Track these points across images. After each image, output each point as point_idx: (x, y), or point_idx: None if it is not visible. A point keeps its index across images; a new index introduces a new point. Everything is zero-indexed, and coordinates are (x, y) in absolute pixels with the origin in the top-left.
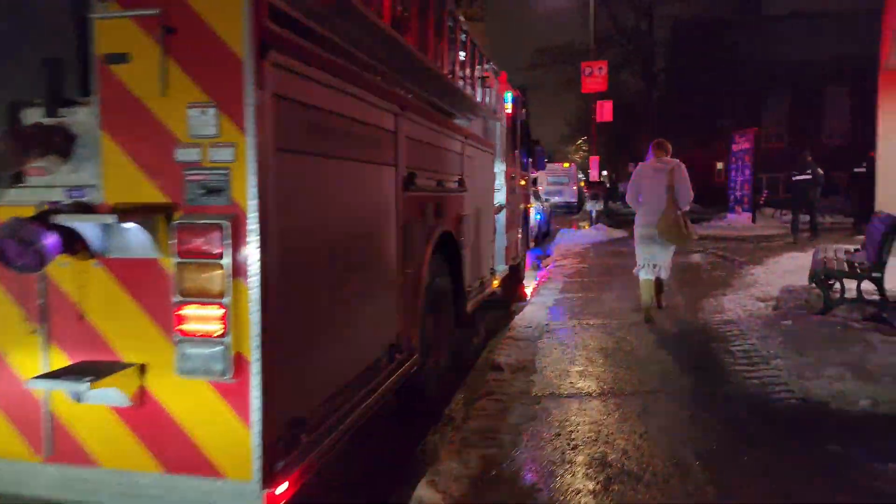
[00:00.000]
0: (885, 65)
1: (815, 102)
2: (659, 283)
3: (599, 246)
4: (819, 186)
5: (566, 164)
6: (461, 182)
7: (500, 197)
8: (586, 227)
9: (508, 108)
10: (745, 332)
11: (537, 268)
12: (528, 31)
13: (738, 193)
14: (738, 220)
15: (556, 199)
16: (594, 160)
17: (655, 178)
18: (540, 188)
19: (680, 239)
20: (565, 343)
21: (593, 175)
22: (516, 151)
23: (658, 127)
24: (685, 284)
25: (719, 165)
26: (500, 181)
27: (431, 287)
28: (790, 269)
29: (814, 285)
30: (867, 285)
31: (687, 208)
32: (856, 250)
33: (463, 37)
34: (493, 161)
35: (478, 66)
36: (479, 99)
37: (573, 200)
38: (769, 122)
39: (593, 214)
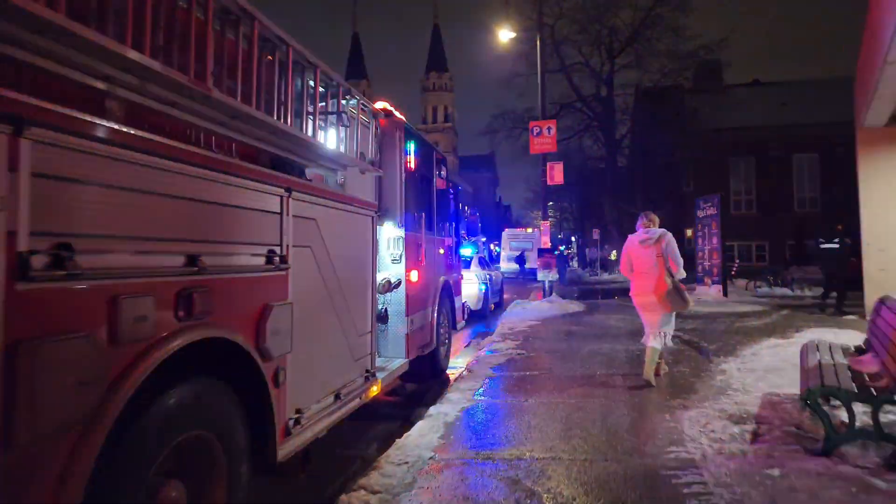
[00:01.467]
0: (861, 122)
1: (784, 168)
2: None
3: (550, 322)
4: (846, 258)
5: (529, 230)
6: (274, 256)
7: (396, 270)
8: (538, 300)
9: (411, 161)
10: (709, 492)
11: (476, 344)
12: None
13: (706, 264)
14: (708, 293)
15: (515, 266)
16: (545, 226)
17: (645, 249)
18: (503, 253)
19: (679, 304)
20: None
21: (544, 241)
22: (431, 214)
23: (622, 192)
24: (636, 387)
25: (688, 233)
26: (396, 250)
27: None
28: (773, 367)
29: (808, 406)
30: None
31: (683, 276)
32: (858, 350)
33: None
34: (373, 225)
35: (316, 95)
36: (318, 139)
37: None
38: (737, 189)
39: (546, 286)
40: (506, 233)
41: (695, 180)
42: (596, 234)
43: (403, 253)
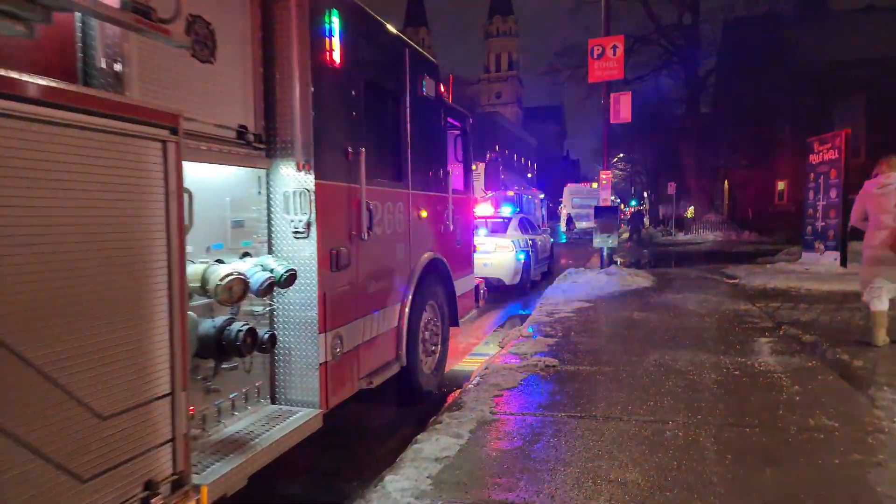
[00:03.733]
0: None
1: None
2: None
3: (605, 304)
4: None
5: (595, 185)
6: None
7: (297, 250)
8: (595, 272)
9: (335, 50)
10: None
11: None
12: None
13: (818, 224)
14: (819, 263)
15: (584, 224)
16: (606, 178)
17: (883, 198)
18: (564, 211)
19: None
20: None
21: (604, 198)
22: (401, 153)
23: (704, 140)
24: (722, 442)
25: (780, 186)
26: (299, 214)
27: None
28: None
29: None
30: None
31: None
32: None
33: None
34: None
35: None
36: None
37: None
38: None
39: (604, 254)
40: (568, 188)
41: (791, 125)
42: (671, 189)
43: (314, 220)
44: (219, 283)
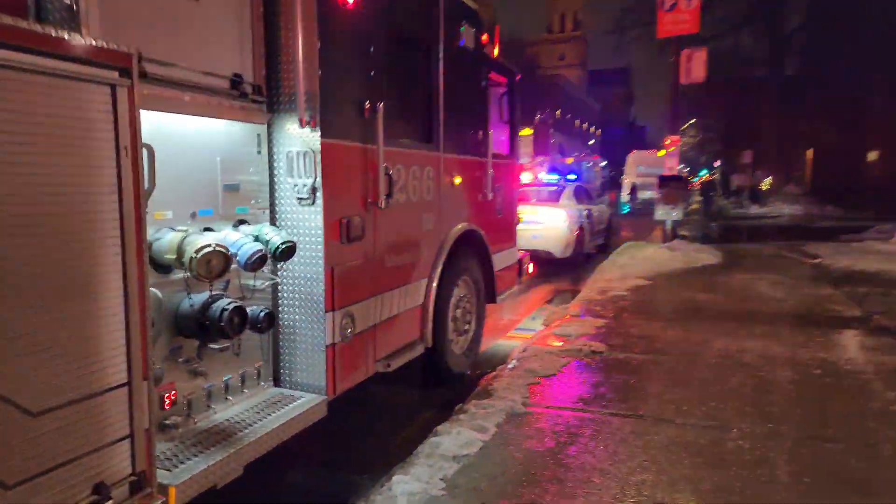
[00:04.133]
0: None
1: None
2: None
3: (665, 283)
4: None
5: (661, 152)
6: None
7: (301, 220)
8: (657, 246)
9: None
10: None
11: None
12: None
13: None
14: None
15: (648, 195)
16: (673, 144)
17: None
18: (628, 179)
19: None
20: None
21: (669, 166)
22: (432, 110)
23: (788, 105)
24: (798, 460)
25: (872, 156)
26: (303, 177)
27: None
28: None
29: None
30: None
31: None
32: None
33: None
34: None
35: None
36: None
37: None
38: None
39: (667, 226)
40: (632, 156)
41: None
42: (747, 157)
43: (320, 184)
44: (194, 255)
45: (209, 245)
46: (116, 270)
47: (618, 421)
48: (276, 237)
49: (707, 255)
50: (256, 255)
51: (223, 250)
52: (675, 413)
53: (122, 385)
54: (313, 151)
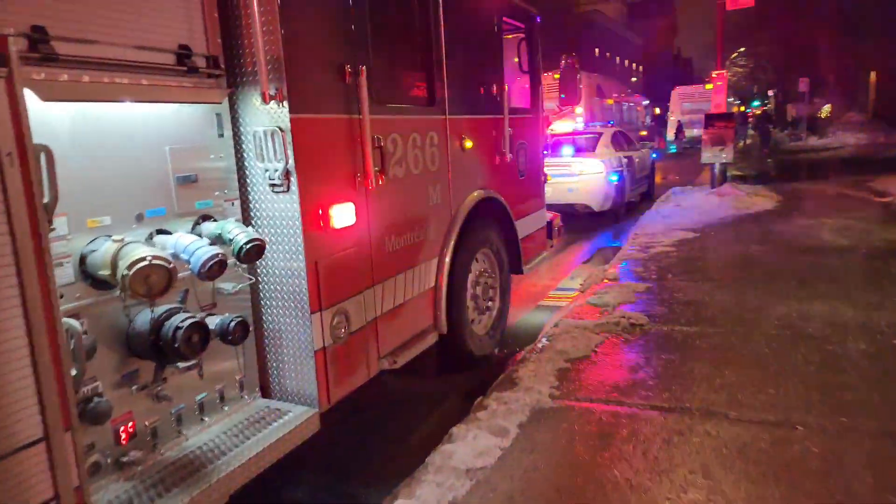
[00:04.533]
0: None
1: None
2: None
3: (714, 233)
4: None
5: (708, 86)
6: None
7: (283, 207)
8: (704, 192)
9: None
10: None
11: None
12: None
13: None
14: None
15: (696, 132)
16: (720, 79)
17: None
18: (673, 117)
19: None
20: None
21: (716, 103)
22: (434, 67)
23: (849, 24)
24: (881, 464)
25: None
26: (273, 161)
27: None
28: None
29: None
30: None
31: None
32: None
33: None
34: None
35: None
36: None
37: None
38: None
39: (716, 171)
40: (676, 91)
41: None
42: (803, 85)
43: (293, 167)
44: (126, 272)
45: (144, 258)
46: (13, 304)
47: (659, 417)
48: (241, 235)
49: (762, 199)
50: (212, 262)
51: (162, 263)
52: (727, 404)
53: (37, 441)
54: (282, 130)
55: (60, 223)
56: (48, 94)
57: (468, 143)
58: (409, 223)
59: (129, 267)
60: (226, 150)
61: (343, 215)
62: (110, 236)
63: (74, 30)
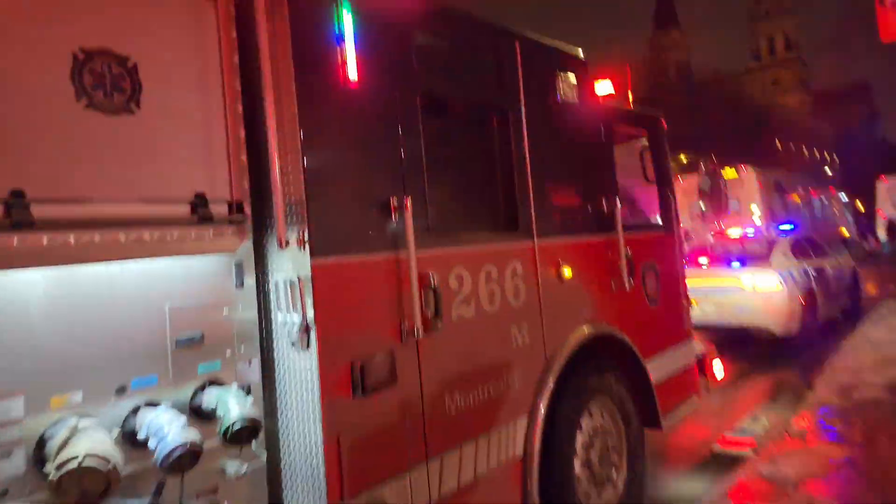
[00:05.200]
0: None
1: None
2: None
3: None
4: None
5: None
6: None
7: (302, 365)
8: None
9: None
10: None
11: None
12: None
13: None
14: None
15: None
16: None
17: None
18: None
19: None
20: None
21: None
22: (528, 189)
23: None
24: None
25: None
26: (292, 313)
27: None
28: None
29: None
30: None
31: None
32: None
33: None
34: None
35: None
36: None
37: None
38: None
39: None
40: (883, 183)
41: None
42: None
43: (313, 321)
44: (53, 474)
45: (75, 457)
46: None
47: None
48: (234, 411)
49: None
50: (176, 455)
51: (96, 465)
52: None
53: None
54: (300, 279)
55: (15, 405)
56: (19, 262)
57: (567, 271)
58: (481, 374)
59: (59, 468)
60: (246, 301)
61: (379, 373)
62: (79, 416)
63: (58, 189)
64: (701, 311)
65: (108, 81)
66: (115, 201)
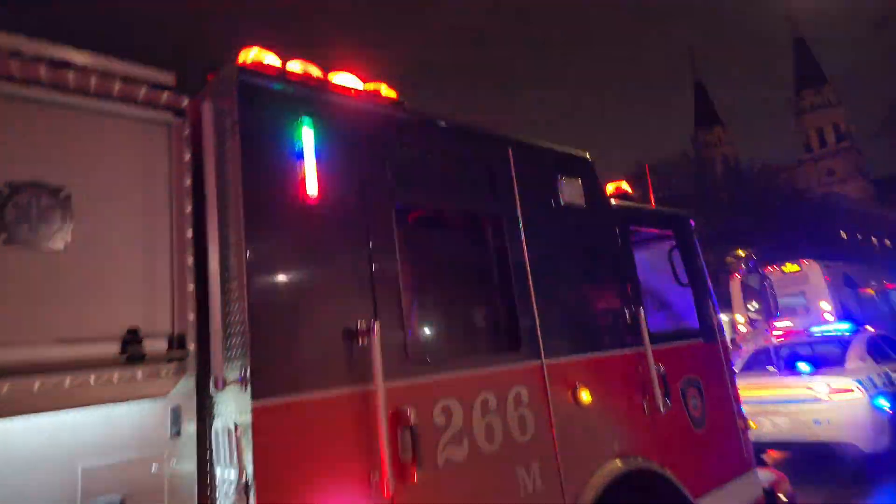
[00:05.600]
0: None
1: None
2: None
3: None
4: None
5: None
6: None
7: None
8: None
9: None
10: None
11: None
12: None
13: None
14: None
15: None
16: None
17: None
18: None
19: None
20: None
21: None
22: (531, 303)
23: None
24: None
25: None
26: (228, 468)
27: None
28: None
29: None
30: None
31: None
32: None
33: None
34: None
35: None
36: None
37: None
38: None
39: None
40: None
41: None
42: None
43: (252, 477)
44: None
45: None
46: None
47: None
48: None
49: None
50: None
51: None
52: None
53: None
54: (238, 427)
55: None
56: None
57: (585, 394)
58: None
59: None
60: (183, 453)
61: None
62: None
63: None
64: (772, 424)
65: (34, 214)
66: (26, 345)
